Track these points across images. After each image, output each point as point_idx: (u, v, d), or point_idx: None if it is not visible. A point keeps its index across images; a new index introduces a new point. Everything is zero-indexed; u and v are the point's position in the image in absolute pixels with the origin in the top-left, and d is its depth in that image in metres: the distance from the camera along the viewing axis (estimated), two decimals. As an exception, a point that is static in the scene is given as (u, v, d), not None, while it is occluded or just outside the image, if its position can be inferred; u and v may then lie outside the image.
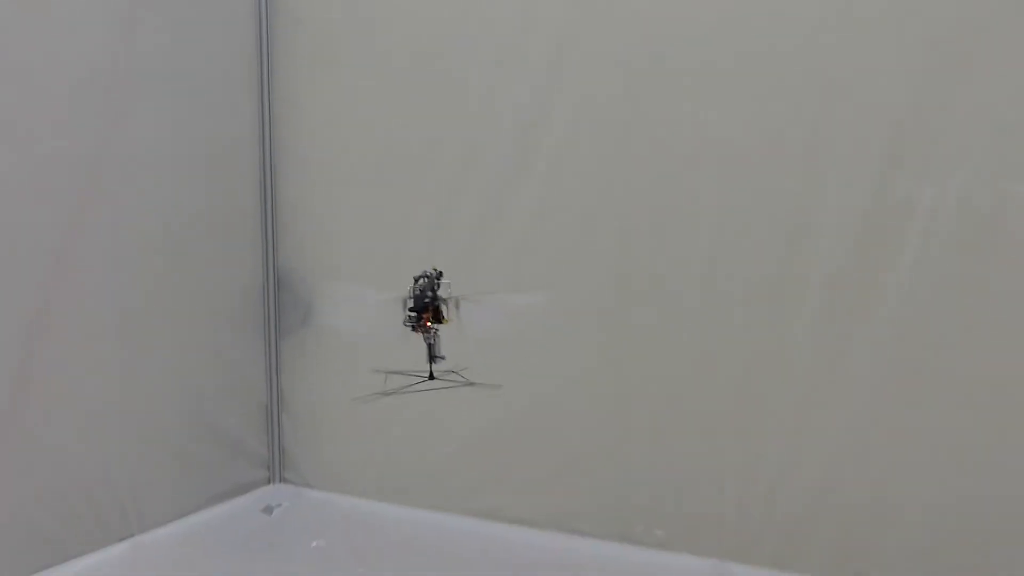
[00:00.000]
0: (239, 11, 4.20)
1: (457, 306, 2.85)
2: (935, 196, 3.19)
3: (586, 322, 3.76)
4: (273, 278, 4.29)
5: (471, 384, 3.00)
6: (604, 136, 3.67)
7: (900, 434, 3.33)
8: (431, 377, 2.91)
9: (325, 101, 4.23)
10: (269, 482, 4.36)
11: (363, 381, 4.04)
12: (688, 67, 3.52)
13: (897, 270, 3.25)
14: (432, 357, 2.88)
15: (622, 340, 3.71)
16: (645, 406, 3.68)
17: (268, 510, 4.16)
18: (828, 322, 3.37)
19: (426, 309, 2.83)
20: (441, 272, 3.01)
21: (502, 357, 3.83)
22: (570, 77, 3.70)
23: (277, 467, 4.37)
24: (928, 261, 3.21)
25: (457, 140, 3.94)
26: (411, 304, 2.87)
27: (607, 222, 3.68)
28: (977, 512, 3.24)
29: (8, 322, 3.36)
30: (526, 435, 3.88)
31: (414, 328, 2.85)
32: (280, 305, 4.32)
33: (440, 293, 2.88)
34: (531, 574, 3.59)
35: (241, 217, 4.21)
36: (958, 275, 3.20)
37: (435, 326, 2.86)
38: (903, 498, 3.33)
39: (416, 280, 2.87)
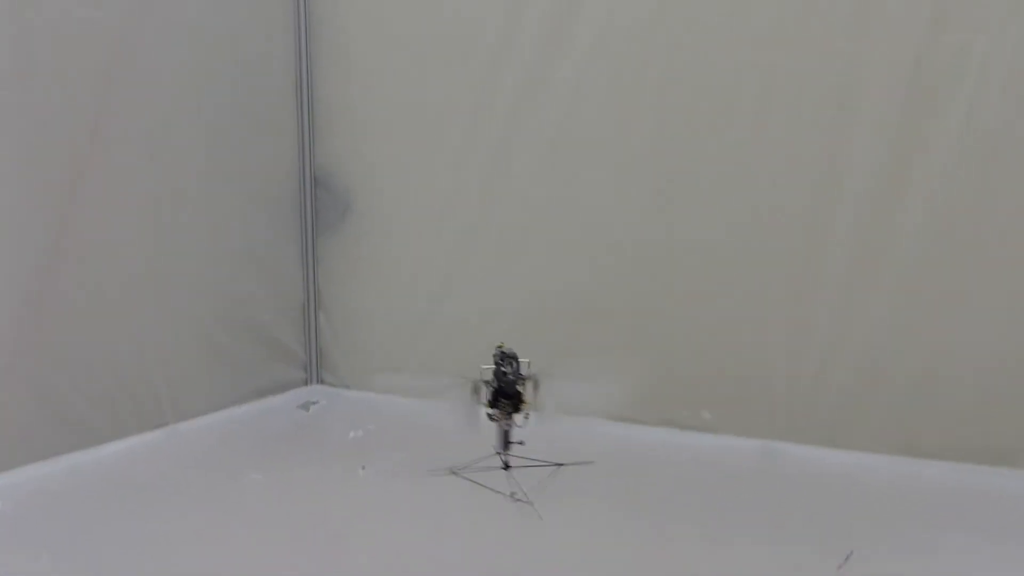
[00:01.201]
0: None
1: (536, 387, 2.43)
2: (985, 51, 3.07)
3: (626, 202, 3.66)
4: (310, 176, 4.22)
5: (560, 465, 2.58)
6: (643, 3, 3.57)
7: (949, 303, 3.22)
8: (507, 467, 2.47)
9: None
10: (306, 383, 4.30)
11: (401, 281, 4.01)
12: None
13: (947, 129, 3.14)
14: (507, 443, 2.46)
15: (663, 219, 3.61)
16: (688, 287, 3.59)
17: (305, 406, 4.10)
18: (876, 188, 3.27)
19: (517, 395, 2.41)
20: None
21: (540, 246, 3.76)
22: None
23: (314, 367, 4.30)
24: (978, 117, 3.10)
25: (496, 29, 3.85)
26: (495, 388, 2.44)
27: (649, 93, 3.58)
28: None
29: (39, 202, 3.32)
30: (565, 326, 3.76)
31: (492, 417, 2.44)
32: (317, 204, 4.24)
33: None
34: (574, 462, 3.47)
35: (277, 112, 4.16)
36: (1009, 132, 3.08)
37: (524, 411, 2.45)
38: (953, 368, 3.22)
39: (498, 362, 2.44)
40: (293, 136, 4.17)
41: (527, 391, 2.43)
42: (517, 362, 2.44)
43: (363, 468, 3.40)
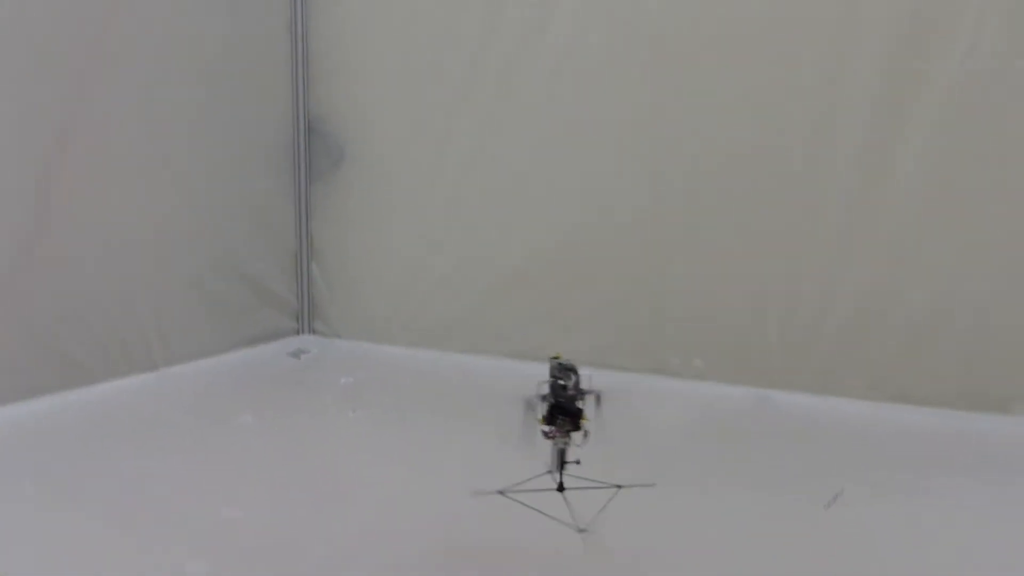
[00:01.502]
0: None
1: (598, 402, 2.10)
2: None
3: (621, 150, 3.64)
4: (304, 123, 4.18)
5: (618, 487, 2.22)
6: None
7: (944, 253, 3.22)
8: (561, 488, 2.15)
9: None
10: (298, 332, 4.27)
11: (395, 230, 3.99)
12: None
13: (945, 68, 3.12)
14: (563, 463, 2.13)
15: (656, 169, 3.58)
16: (682, 236, 3.57)
17: (296, 354, 4.07)
18: (872, 137, 3.25)
19: (577, 412, 2.09)
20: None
21: (535, 194, 3.74)
22: None
23: (306, 317, 4.27)
24: (977, 54, 3.07)
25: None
26: (552, 404, 2.10)
27: (644, 42, 3.56)
28: (1019, 324, 3.13)
29: (31, 146, 3.29)
30: (558, 274, 3.77)
31: (548, 435, 2.11)
32: (311, 151, 4.21)
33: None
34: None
35: (270, 59, 4.12)
36: (1008, 71, 3.05)
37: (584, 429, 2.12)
38: (947, 316, 3.22)
39: (556, 375, 2.12)
40: (287, 83, 4.14)
41: (588, 407, 2.11)
42: (577, 375, 2.14)
43: (353, 411, 3.39)
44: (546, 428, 2.11)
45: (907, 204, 3.20)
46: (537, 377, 3.66)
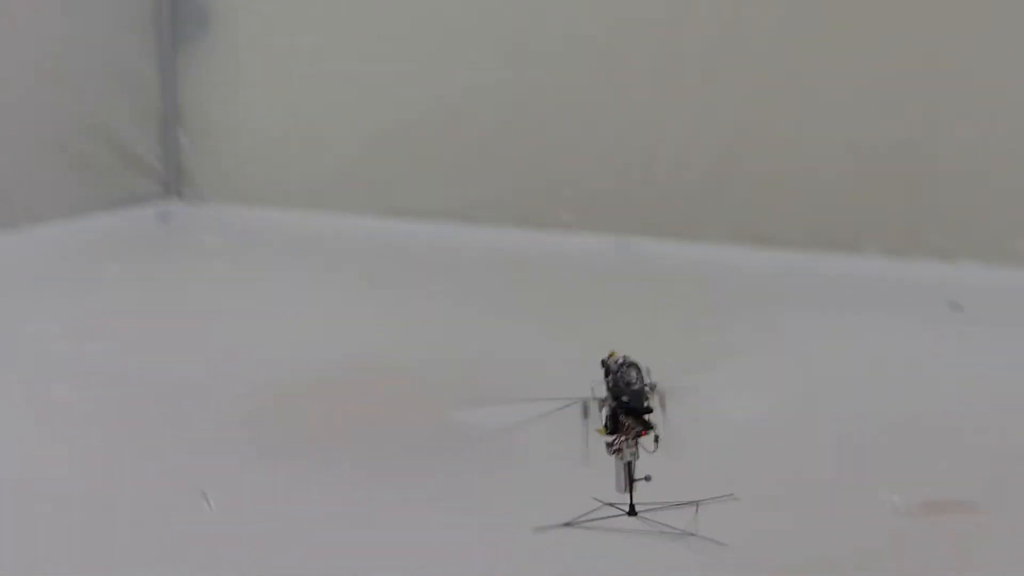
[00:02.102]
0: None
1: (663, 403, 1.73)
2: None
3: (488, 13, 3.65)
4: (167, -17, 4.09)
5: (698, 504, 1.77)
6: None
7: (795, 98, 3.30)
8: (633, 512, 1.78)
9: None
10: (164, 196, 4.20)
11: (263, 94, 3.94)
12: None
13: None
14: (632, 481, 1.77)
15: (518, 20, 3.60)
16: (545, 90, 3.60)
17: (163, 218, 4.02)
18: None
19: (646, 412, 1.72)
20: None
21: (404, 56, 3.73)
22: None
23: (173, 181, 4.20)
24: None
25: None
26: (614, 406, 1.73)
27: None
28: (869, 169, 3.24)
29: None
30: (425, 133, 3.77)
31: (613, 445, 1.73)
32: (176, 14, 4.11)
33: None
34: (434, 266, 3.49)
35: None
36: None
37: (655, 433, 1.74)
38: (801, 161, 3.32)
39: (615, 369, 1.74)
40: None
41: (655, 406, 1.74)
42: (639, 371, 1.76)
43: (220, 265, 3.39)
44: (609, 438, 1.73)
45: (764, 52, 3.26)
46: (402, 231, 3.73)
